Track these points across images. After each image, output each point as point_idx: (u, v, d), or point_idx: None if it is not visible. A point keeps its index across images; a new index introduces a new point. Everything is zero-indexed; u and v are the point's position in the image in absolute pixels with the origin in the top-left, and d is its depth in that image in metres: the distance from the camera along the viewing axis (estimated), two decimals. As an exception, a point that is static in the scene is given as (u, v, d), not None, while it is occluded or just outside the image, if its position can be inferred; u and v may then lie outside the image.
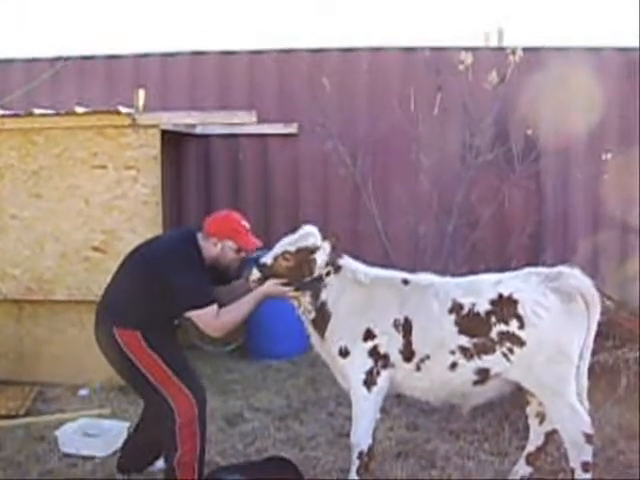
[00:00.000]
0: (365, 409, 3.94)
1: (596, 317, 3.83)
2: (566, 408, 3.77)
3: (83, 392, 5.84)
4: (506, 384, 3.90)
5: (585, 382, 3.85)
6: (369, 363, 3.92)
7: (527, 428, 4.82)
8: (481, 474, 4.29)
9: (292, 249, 3.97)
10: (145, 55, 7.81)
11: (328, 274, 3.99)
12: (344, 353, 3.98)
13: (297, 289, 3.97)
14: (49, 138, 5.97)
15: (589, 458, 3.79)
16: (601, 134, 7.08)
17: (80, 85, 7.68)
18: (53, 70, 6.99)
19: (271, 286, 3.95)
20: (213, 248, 3.99)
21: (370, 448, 3.95)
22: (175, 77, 7.70)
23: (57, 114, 6.00)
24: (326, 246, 4.02)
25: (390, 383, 3.96)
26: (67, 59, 7.51)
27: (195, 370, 4.04)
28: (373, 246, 7.04)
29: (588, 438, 3.77)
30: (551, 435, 4.06)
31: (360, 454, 3.93)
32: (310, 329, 4.12)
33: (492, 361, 3.81)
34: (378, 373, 3.92)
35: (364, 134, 7.19)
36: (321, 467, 4.39)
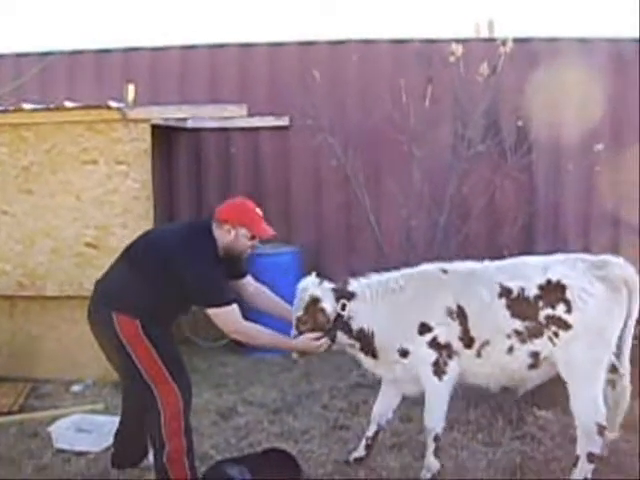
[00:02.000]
0: (438, 397, 4.06)
1: (638, 303, 3.96)
2: (589, 396, 3.88)
3: (76, 388, 5.84)
4: (554, 368, 4.00)
5: (628, 365, 4.01)
6: (433, 354, 4.02)
7: (520, 418, 4.89)
8: (474, 464, 4.31)
9: (300, 313, 4.08)
10: (135, 49, 7.75)
11: (344, 307, 4.09)
12: (404, 353, 4.07)
13: (331, 338, 4.08)
14: (39, 133, 5.94)
15: (597, 450, 3.87)
16: (593, 126, 7.07)
17: (70, 80, 7.64)
18: (42, 65, 6.94)
19: (307, 343, 4.04)
20: (227, 235, 3.95)
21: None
22: (165, 71, 7.65)
23: (47, 109, 5.97)
24: (325, 284, 4.15)
25: None
26: (56, 54, 7.46)
27: (185, 365, 4.02)
28: (365, 238, 7.05)
29: (601, 430, 3.86)
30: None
31: (436, 437, 4.06)
32: (362, 359, 4.23)
33: (541, 344, 3.93)
34: (445, 363, 4.02)
35: (355, 126, 7.17)
36: (315, 460, 4.40)
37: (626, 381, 4.01)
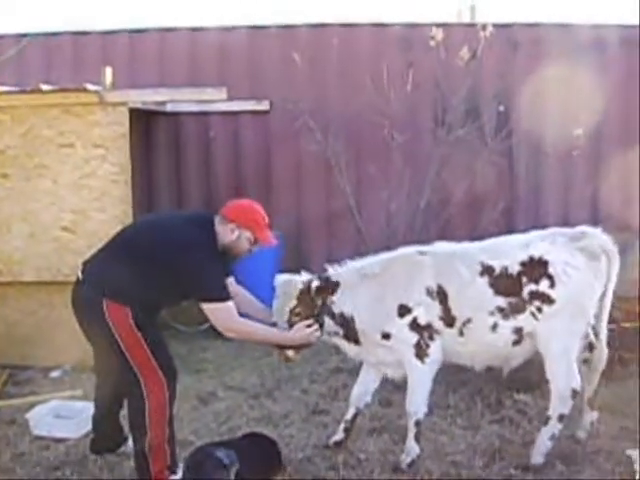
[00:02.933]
0: (420, 380, 4.08)
1: (616, 271, 4.11)
2: (565, 364, 4.01)
3: (55, 374, 5.79)
4: (535, 343, 4.08)
5: (605, 330, 4.16)
6: (414, 336, 4.04)
7: (499, 402, 4.93)
8: (454, 448, 4.34)
9: (294, 303, 4.08)
10: (113, 32, 7.65)
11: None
12: (386, 336, 4.09)
13: (320, 325, 4.08)
14: (14, 116, 5.84)
15: (567, 412, 4.05)
16: (573, 110, 7.10)
17: (46, 63, 7.53)
18: (18, 47, 6.83)
19: (299, 332, 4.01)
20: (230, 234, 3.90)
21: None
22: (144, 54, 7.57)
23: (22, 92, 5.87)
24: (304, 276, 4.18)
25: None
26: (33, 36, 7.35)
27: (171, 355, 3.98)
28: (345, 223, 7.05)
29: (574, 394, 4.03)
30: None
31: (417, 422, 4.08)
32: (345, 346, 4.24)
33: (524, 320, 4.01)
34: (427, 345, 4.04)
35: (336, 111, 7.14)
36: (295, 444, 4.40)
37: (603, 345, 4.17)
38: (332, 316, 4.12)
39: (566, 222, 7.22)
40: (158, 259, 3.77)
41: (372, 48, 7.34)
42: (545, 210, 7.39)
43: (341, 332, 4.16)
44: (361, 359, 4.34)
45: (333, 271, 4.21)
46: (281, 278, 4.21)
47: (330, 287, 4.13)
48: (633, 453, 4.09)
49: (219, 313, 3.79)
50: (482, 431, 4.56)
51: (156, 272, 3.76)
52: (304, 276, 4.19)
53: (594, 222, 6.88)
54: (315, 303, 4.09)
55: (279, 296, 4.13)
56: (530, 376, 4.80)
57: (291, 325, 4.07)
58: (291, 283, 4.14)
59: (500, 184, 7.31)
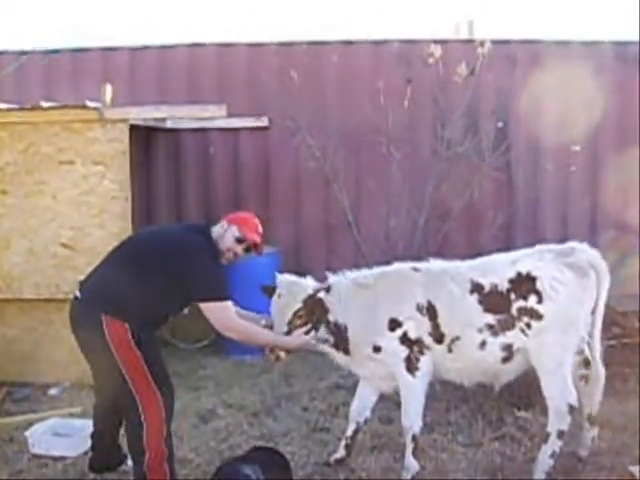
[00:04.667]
0: (413, 394, 4.10)
1: (606, 286, 4.10)
2: (560, 379, 4.01)
3: (53, 391, 5.76)
4: (527, 359, 4.09)
5: (599, 346, 4.14)
6: (404, 350, 4.07)
7: (500, 419, 4.91)
8: (455, 465, 4.32)
9: (300, 305, 4.10)
10: (113, 49, 7.68)
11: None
12: (376, 349, 4.11)
13: (315, 330, 4.11)
14: (14, 133, 5.86)
15: (566, 428, 4.02)
16: (570, 125, 7.13)
17: (46, 79, 7.54)
18: (18, 64, 6.85)
19: (299, 338, 4.04)
20: (219, 230, 4.00)
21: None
22: (144, 71, 7.59)
23: (22, 108, 5.89)
24: (309, 280, 4.23)
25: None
26: (33, 53, 7.37)
27: (167, 370, 3.97)
28: (344, 239, 7.04)
29: (571, 409, 4.01)
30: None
31: (413, 437, 4.09)
32: (335, 355, 4.27)
33: (513, 336, 4.02)
34: (417, 359, 4.07)
35: (335, 127, 7.15)
36: (295, 462, 4.36)
37: (598, 363, 4.15)
38: (326, 324, 4.15)
39: (565, 237, 7.23)
40: (157, 266, 3.79)
41: (370, 65, 7.37)
42: (544, 225, 7.40)
43: (331, 340, 4.18)
44: (349, 369, 4.35)
45: (334, 279, 4.25)
46: (287, 278, 4.22)
47: (324, 289, 4.18)
48: (635, 469, 4.09)
49: (218, 312, 3.80)
50: (483, 448, 4.54)
51: (155, 279, 3.77)
52: (311, 282, 4.22)
53: (593, 236, 6.97)
54: (317, 310, 4.11)
55: (283, 295, 4.14)
56: (531, 393, 4.78)
57: (289, 325, 4.07)
58: (300, 285, 4.17)
59: (499, 199, 7.32)
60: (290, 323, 4.08)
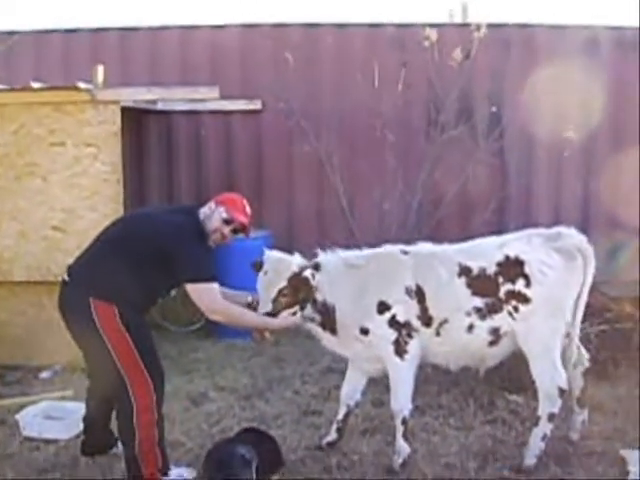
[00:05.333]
0: (402, 377, 4.10)
1: (592, 271, 4.11)
2: (549, 362, 4.03)
3: (45, 374, 5.75)
4: (514, 342, 4.10)
5: (578, 331, 4.16)
6: (393, 333, 4.06)
7: (491, 403, 4.93)
8: (447, 449, 4.32)
9: (284, 284, 4.04)
10: (104, 29, 7.60)
11: (313, 277, 4.08)
12: (364, 332, 4.10)
13: (301, 309, 4.08)
14: (5, 114, 5.79)
15: (556, 410, 4.04)
16: (565, 111, 7.12)
17: (37, 60, 7.47)
18: (8, 44, 6.78)
19: (284, 320, 4.02)
20: (207, 210, 3.98)
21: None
22: (135, 52, 7.52)
23: (12, 89, 5.83)
24: (297, 257, 4.18)
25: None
26: (23, 33, 7.29)
27: (157, 353, 3.95)
28: (337, 223, 7.02)
29: (561, 392, 4.03)
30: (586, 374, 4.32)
31: (403, 420, 4.09)
32: (321, 334, 4.23)
33: (501, 319, 4.03)
34: (406, 342, 4.07)
35: (328, 110, 7.12)
36: (287, 446, 4.36)
37: (574, 345, 4.16)
38: (313, 302, 4.12)
39: (557, 222, 7.21)
40: (144, 248, 3.76)
41: (365, 48, 7.32)
42: (537, 210, 7.40)
43: (318, 319, 4.15)
44: (335, 350, 4.33)
45: (323, 257, 4.21)
46: (273, 255, 4.17)
47: (314, 267, 4.13)
48: (626, 453, 4.11)
49: (204, 294, 3.77)
50: (475, 432, 4.56)
51: (142, 261, 3.74)
52: (298, 259, 4.16)
53: (585, 222, 6.99)
54: (303, 289, 4.06)
55: (269, 272, 4.09)
56: (522, 377, 4.78)
57: (274, 303, 4.03)
58: (284, 263, 4.11)
59: (492, 184, 7.30)
60: (275, 301, 4.04)
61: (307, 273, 4.06)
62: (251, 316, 4.02)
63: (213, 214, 3.96)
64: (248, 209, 4.07)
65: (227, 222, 3.97)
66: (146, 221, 3.96)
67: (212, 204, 4.01)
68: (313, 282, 4.08)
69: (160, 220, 3.90)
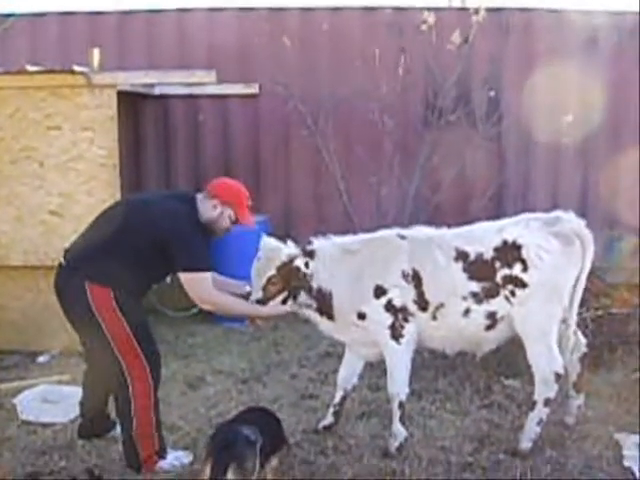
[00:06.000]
0: (398, 361, 4.10)
1: (591, 256, 4.10)
2: (545, 347, 4.02)
3: (42, 359, 5.76)
4: (510, 327, 4.09)
5: (575, 315, 4.14)
6: (389, 318, 4.06)
7: (488, 388, 4.95)
8: (443, 433, 4.34)
9: (272, 272, 4.04)
10: (101, 13, 7.55)
11: (307, 265, 4.09)
12: (361, 316, 4.10)
13: (293, 297, 4.07)
14: (0, 98, 5.76)
15: (552, 395, 4.04)
16: (564, 96, 7.09)
17: (33, 43, 7.41)
18: (3, 27, 6.72)
19: (274, 308, 4.03)
20: (212, 210, 3.91)
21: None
22: (132, 36, 7.46)
23: (7, 73, 5.79)
24: (290, 244, 4.15)
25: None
26: (19, 16, 7.24)
27: (155, 340, 3.96)
28: (335, 208, 7.02)
29: (557, 377, 4.03)
30: (584, 359, 4.33)
31: (400, 404, 4.09)
32: (318, 320, 4.23)
33: (497, 304, 4.02)
34: (402, 326, 4.06)
35: (326, 95, 7.08)
36: (285, 429, 4.38)
37: (571, 330, 4.15)
38: (309, 289, 4.11)
39: (555, 208, 7.24)
40: (140, 233, 3.76)
41: (363, 32, 7.27)
42: (534, 196, 7.38)
43: (314, 305, 4.15)
44: (332, 335, 4.33)
45: (318, 244, 4.19)
46: (268, 243, 4.16)
47: (308, 254, 4.12)
48: (621, 437, 4.14)
49: (196, 284, 3.77)
50: (471, 416, 4.58)
51: (138, 246, 3.74)
52: (290, 248, 4.14)
53: (583, 208, 6.98)
54: (295, 277, 4.06)
55: (261, 259, 4.10)
56: (518, 361, 4.80)
57: (264, 291, 4.04)
58: (275, 252, 4.10)
59: (490, 170, 7.28)
60: (264, 288, 4.05)
61: (299, 262, 4.06)
62: (241, 305, 4.02)
63: (222, 217, 3.92)
64: (249, 200, 4.05)
65: (234, 222, 3.99)
66: (143, 207, 3.94)
67: (216, 203, 3.91)
68: (307, 270, 4.08)
69: (158, 207, 3.89)
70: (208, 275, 3.81)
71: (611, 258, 6.39)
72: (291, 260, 4.06)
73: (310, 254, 4.12)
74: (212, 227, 3.95)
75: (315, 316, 4.22)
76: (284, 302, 4.07)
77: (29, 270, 5.87)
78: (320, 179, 7.31)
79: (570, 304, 4.11)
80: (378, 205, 6.72)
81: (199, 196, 3.97)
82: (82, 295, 3.70)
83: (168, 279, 4.12)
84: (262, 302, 4.03)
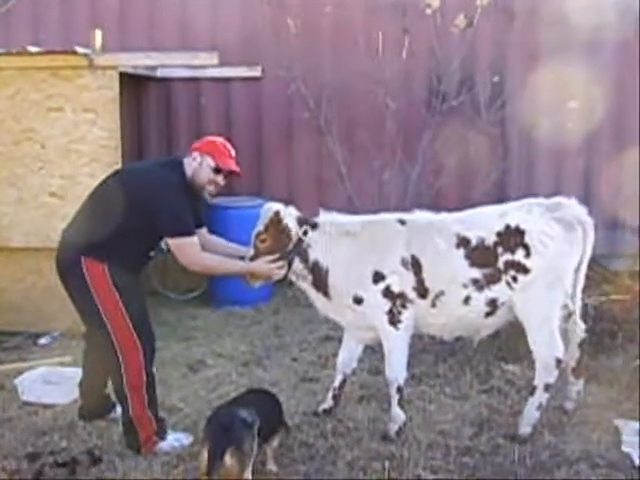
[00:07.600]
0: (396, 346, 4.09)
1: (591, 242, 4.10)
2: (547, 333, 4.01)
3: (43, 340, 5.77)
4: (510, 312, 4.09)
5: (579, 301, 4.18)
6: (387, 303, 4.04)
7: (488, 372, 4.95)
8: (442, 417, 4.35)
9: (261, 228, 4.04)
10: (102, -6, 7.50)
11: (305, 233, 4.07)
12: (358, 301, 4.08)
13: (283, 259, 4.03)
14: (1, 79, 5.75)
15: (553, 381, 4.05)
16: (568, 81, 7.04)
17: (34, 24, 7.37)
18: (5, 8, 6.68)
19: (259, 264, 4.01)
20: (193, 163, 3.95)
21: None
22: (134, 17, 7.42)
23: (9, 53, 5.76)
24: (291, 209, 4.13)
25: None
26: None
27: (149, 318, 3.97)
28: (337, 191, 6.99)
29: (558, 363, 4.03)
30: (582, 345, 4.30)
31: (398, 388, 4.09)
32: (313, 294, 4.22)
33: (499, 290, 4.01)
34: (400, 312, 4.05)
35: (329, 77, 7.04)
36: (284, 411, 4.39)
37: (576, 316, 4.18)
38: (305, 260, 4.09)
39: (558, 194, 7.21)
40: (126, 203, 3.77)
41: (366, 15, 7.21)
42: (537, 181, 7.36)
43: (310, 278, 4.14)
44: (327, 314, 4.31)
45: (323, 217, 4.19)
46: (267, 204, 4.18)
47: (309, 224, 4.10)
48: (620, 423, 4.14)
49: (184, 247, 3.81)
50: (471, 401, 4.58)
51: (126, 216, 3.75)
52: (288, 209, 4.14)
53: (586, 195, 6.95)
54: (285, 238, 4.05)
55: (259, 221, 4.12)
56: (519, 347, 4.81)
57: (254, 249, 4.05)
58: (265, 210, 4.11)
59: (493, 155, 7.25)
60: (253, 246, 4.05)
61: (287, 221, 4.04)
62: (227, 264, 4.04)
63: (202, 167, 3.94)
64: (232, 150, 4.06)
65: (218, 171, 3.97)
66: (129, 177, 3.99)
67: (196, 154, 3.96)
68: (303, 237, 4.05)
69: (141, 175, 3.95)
70: (195, 239, 3.84)
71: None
72: (278, 218, 4.04)
73: (314, 226, 4.10)
74: (197, 183, 3.95)
75: (311, 291, 4.20)
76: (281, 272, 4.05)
77: (31, 252, 5.87)
78: (322, 161, 7.28)
79: (573, 290, 4.10)
80: (380, 189, 6.70)
81: (185, 160, 4.00)
82: (78, 270, 3.75)
83: (163, 246, 4.12)
84: (252, 260, 4.04)
